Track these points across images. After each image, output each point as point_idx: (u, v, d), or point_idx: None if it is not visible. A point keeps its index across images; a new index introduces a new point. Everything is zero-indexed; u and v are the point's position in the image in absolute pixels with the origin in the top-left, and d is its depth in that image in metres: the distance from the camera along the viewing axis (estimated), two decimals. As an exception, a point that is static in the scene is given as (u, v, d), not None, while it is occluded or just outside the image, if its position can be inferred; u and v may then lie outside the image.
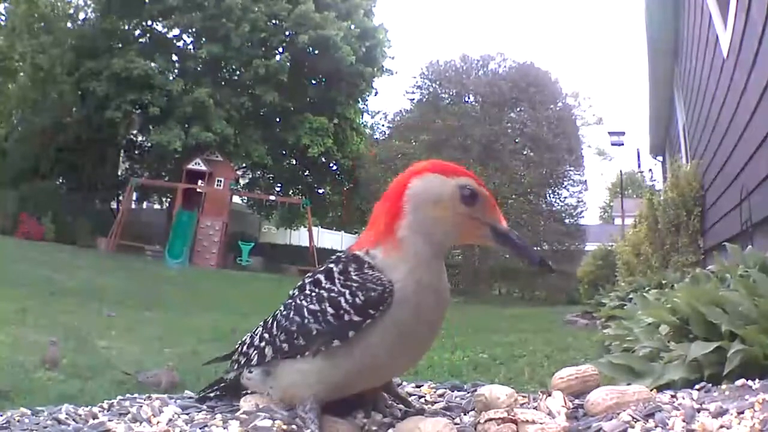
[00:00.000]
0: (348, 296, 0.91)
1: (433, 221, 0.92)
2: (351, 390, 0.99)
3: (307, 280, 1.01)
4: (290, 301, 1.00)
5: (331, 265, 0.97)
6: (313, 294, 0.96)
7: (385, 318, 0.90)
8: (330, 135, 18.68)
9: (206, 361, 1.36)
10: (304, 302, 0.96)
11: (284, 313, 1.00)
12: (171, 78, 18.08)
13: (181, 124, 17.08)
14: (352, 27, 18.87)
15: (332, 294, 0.93)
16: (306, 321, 0.94)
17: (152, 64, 17.01)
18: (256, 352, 1.03)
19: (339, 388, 0.96)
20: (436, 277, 0.94)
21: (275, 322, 1.01)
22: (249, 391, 1.10)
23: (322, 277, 0.97)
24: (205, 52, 17.77)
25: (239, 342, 1.12)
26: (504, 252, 0.89)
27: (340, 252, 1.03)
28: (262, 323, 1.07)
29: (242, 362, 1.07)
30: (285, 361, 0.98)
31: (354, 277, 0.92)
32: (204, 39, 18.26)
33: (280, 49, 18.29)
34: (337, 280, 0.94)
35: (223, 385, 1.14)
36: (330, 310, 0.92)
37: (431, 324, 0.96)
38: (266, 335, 1.02)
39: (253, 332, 1.08)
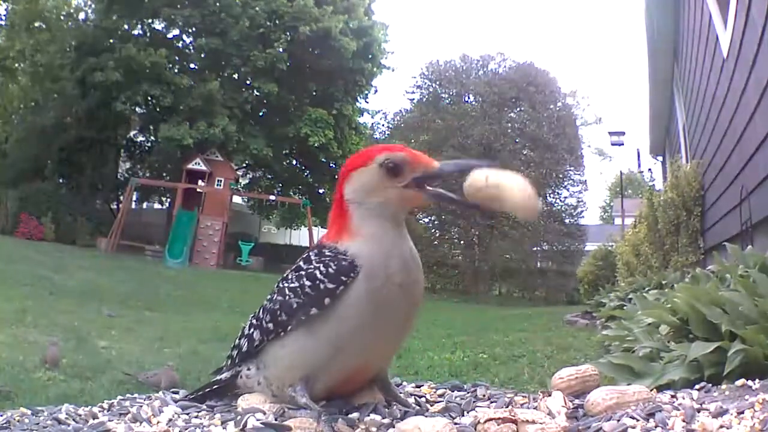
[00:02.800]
0: (322, 268, 1.00)
1: (376, 205, 1.01)
2: (339, 367, 1.01)
3: (288, 270, 1.09)
4: (275, 287, 1.08)
5: (308, 253, 1.07)
6: (293, 276, 1.04)
7: (358, 288, 0.97)
8: (330, 127, 18.66)
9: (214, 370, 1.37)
10: (285, 284, 1.05)
11: (269, 298, 1.08)
12: (176, 71, 18.09)
13: (188, 121, 17.04)
14: (351, 25, 18.87)
15: (309, 270, 1.02)
16: (287, 298, 1.02)
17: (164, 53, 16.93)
18: (245, 339, 1.10)
19: (325, 363, 1.00)
20: (399, 245, 1.02)
21: (261, 309, 1.09)
22: (244, 392, 1.11)
23: (301, 263, 1.06)
24: (204, 42, 17.75)
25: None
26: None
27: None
28: (251, 316, 1.13)
29: (235, 356, 1.13)
30: (272, 347, 1.05)
31: (327, 254, 1.01)
32: (203, 35, 18.25)
33: (280, 48, 18.27)
34: (313, 260, 1.03)
35: (217, 387, 1.15)
36: (307, 282, 1.00)
37: (406, 293, 1.02)
38: (254, 321, 1.09)
39: (244, 326, 1.14)
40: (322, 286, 0.98)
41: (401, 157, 1.00)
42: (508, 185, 0.94)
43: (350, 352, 1.01)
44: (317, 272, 1.00)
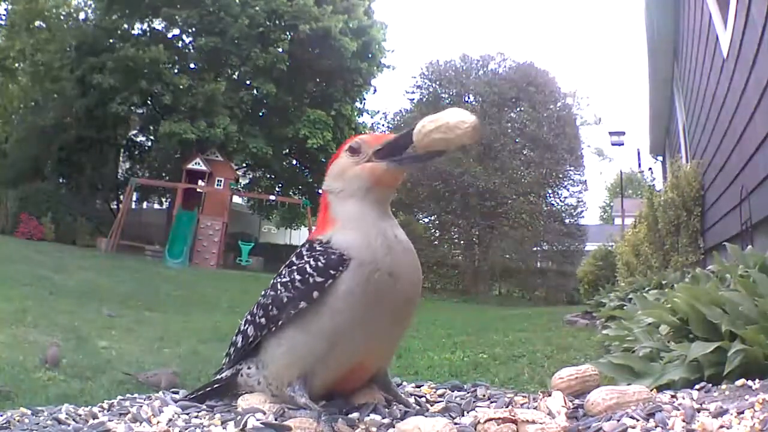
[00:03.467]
0: (312, 262, 1.01)
1: (346, 186, 1.06)
2: (335, 364, 1.02)
3: (282, 267, 1.10)
4: (269, 284, 1.10)
5: (300, 248, 1.08)
6: (285, 272, 1.06)
7: (348, 280, 0.98)
8: (329, 128, 18.66)
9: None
10: (278, 279, 1.06)
11: (263, 294, 1.09)
12: (176, 71, 18.09)
13: (189, 120, 17.01)
14: (350, 25, 18.88)
15: (300, 264, 1.03)
16: (279, 292, 1.04)
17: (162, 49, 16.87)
18: (241, 335, 1.11)
19: (321, 359, 1.01)
20: (379, 226, 1.04)
21: (256, 305, 1.10)
22: (244, 392, 1.11)
23: (293, 258, 1.07)
24: (203, 42, 17.74)
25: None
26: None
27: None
28: (247, 313, 1.14)
29: (231, 353, 1.14)
30: (269, 345, 1.05)
31: (318, 248, 1.03)
32: (203, 35, 18.24)
33: (280, 48, 18.26)
34: (304, 255, 1.04)
35: (217, 386, 1.15)
36: (297, 277, 1.02)
37: (399, 284, 1.01)
38: (249, 317, 1.11)
39: (240, 323, 1.16)
40: (311, 279, 1.00)
41: (361, 139, 1.08)
42: (443, 113, 1.01)
43: (345, 347, 1.00)
44: (307, 266, 1.02)
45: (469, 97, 20.47)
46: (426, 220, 19.83)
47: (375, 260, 1.00)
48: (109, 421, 1.03)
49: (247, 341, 1.09)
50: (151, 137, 19.93)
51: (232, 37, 17.80)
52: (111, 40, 17.86)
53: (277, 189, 21.19)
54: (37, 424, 1.03)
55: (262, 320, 1.05)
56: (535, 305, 14.73)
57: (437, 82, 20.61)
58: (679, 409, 0.91)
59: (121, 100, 16.60)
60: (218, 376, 1.16)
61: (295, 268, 1.04)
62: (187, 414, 1.06)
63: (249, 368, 1.10)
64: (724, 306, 1.95)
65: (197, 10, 17.73)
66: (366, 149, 1.07)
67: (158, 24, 19.37)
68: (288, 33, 18.63)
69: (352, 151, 1.07)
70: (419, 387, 1.25)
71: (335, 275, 0.99)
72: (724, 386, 1.10)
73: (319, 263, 1.00)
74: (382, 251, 1.01)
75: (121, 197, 18.14)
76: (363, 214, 1.04)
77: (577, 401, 1.02)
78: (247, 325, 1.10)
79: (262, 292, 1.10)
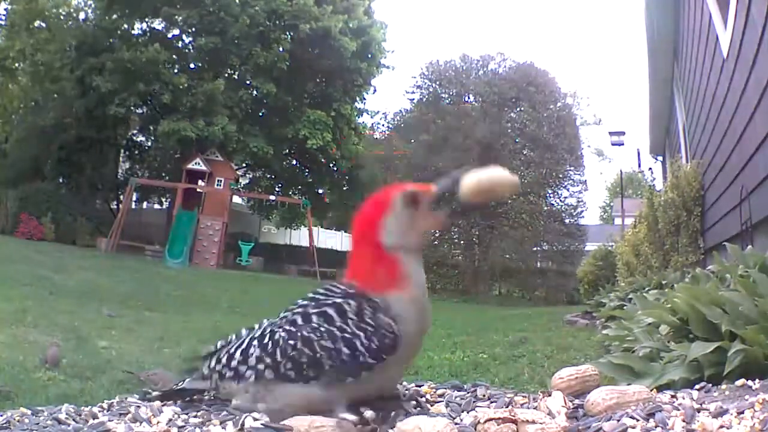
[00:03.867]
0: (364, 339, 0.95)
1: (415, 242, 1.04)
2: (351, 398, 1.01)
3: (312, 310, 1.01)
4: (293, 329, 1.00)
5: (339, 300, 1.00)
6: (323, 329, 0.98)
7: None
8: (329, 129, 18.66)
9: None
10: (313, 336, 0.98)
11: (289, 341, 0.99)
12: (175, 71, 18.09)
13: (188, 119, 17.00)
14: (350, 25, 18.89)
15: (346, 335, 0.96)
16: (318, 355, 0.96)
17: (159, 48, 16.84)
18: (252, 372, 1.01)
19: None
20: (423, 280, 1.04)
21: (277, 348, 0.99)
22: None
23: (333, 312, 0.99)
24: (203, 42, 17.72)
25: (216, 350, 1.12)
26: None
27: (343, 285, 1.04)
28: (255, 341, 1.04)
29: (228, 376, 1.05)
30: (285, 387, 0.99)
31: (368, 321, 0.97)
32: (203, 35, 18.24)
33: (280, 48, 18.26)
34: (350, 321, 0.97)
35: (194, 395, 1.13)
36: (345, 350, 0.95)
37: (424, 332, 1.06)
38: (267, 359, 1.00)
39: (241, 346, 1.06)
40: (361, 359, 0.95)
41: (413, 189, 1.04)
42: (491, 174, 1.04)
43: (359, 391, 1.01)
44: (357, 342, 0.96)
45: (469, 97, 20.48)
46: (426, 220, 19.81)
47: (422, 329, 1.02)
48: (109, 421, 1.03)
49: (261, 380, 1.00)
50: (151, 137, 19.93)
51: (232, 36, 17.80)
52: (111, 41, 17.85)
53: (277, 189, 21.19)
54: (37, 424, 1.03)
55: (290, 373, 0.98)
56: (535, 305, 14.72)
57: (437, 82, 20.61)
58: (679, 409, 0.91)
59: (119, 101, 16.59)
60: (197, 385, 1.13)
61: (339, 335, 0.96)
62: (187, 414, 1.06)
63: (238, 388, 1.05)
64: (724, 306, 1.95)
65: (197, 10, 17.73)
66: (423, 200, 1.04)
67: (158, 24, 19.36)
68: (288, 33, 18.63)
69: (414, 204, 1.03)
70: (419, 387, 1.25)
71: (386, 359, 0.96)
72: (724, 386, 1.10)
73: (372, 344, 0.95)
74: (427, 314, 1.04)
75: (121, 197, 18.13)
76: (418, 269, 1.03)
77: (577, 401, 1.02)
78: (263, 367, 1.00)
79: (284, 336, 1.00)
